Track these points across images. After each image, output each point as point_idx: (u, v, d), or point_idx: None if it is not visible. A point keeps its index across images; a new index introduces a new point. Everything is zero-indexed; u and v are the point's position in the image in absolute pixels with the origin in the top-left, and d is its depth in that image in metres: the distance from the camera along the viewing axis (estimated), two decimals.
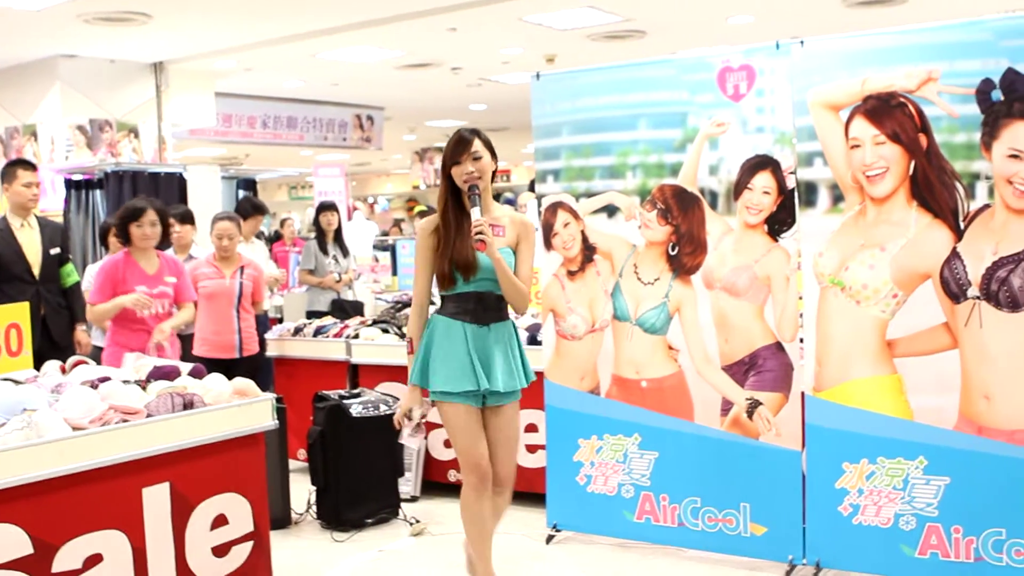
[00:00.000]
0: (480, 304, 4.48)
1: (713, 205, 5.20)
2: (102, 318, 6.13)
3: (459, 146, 4.43)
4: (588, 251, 5.62)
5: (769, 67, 5.03)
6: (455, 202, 4.50)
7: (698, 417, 5.30)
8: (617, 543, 5.62)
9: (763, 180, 5.05)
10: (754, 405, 5.12)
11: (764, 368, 5.11)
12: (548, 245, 5.76)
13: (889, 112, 4.64)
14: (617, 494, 5.57)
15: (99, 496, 4.02)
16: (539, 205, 5.83)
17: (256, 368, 7.13)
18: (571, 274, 5.68)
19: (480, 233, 4.29)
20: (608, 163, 5.53)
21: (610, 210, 5.54)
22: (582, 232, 5.63)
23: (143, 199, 6.46)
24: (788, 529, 5.07)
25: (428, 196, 24.51)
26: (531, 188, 10.28)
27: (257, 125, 14.52)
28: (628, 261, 5.48)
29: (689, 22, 10.43)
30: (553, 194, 5.74)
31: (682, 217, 5.29)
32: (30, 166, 6.79)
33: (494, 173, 4.54)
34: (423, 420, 4.79)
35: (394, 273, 12.65)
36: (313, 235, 10.17)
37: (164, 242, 6.51)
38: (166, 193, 9.57)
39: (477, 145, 4.43)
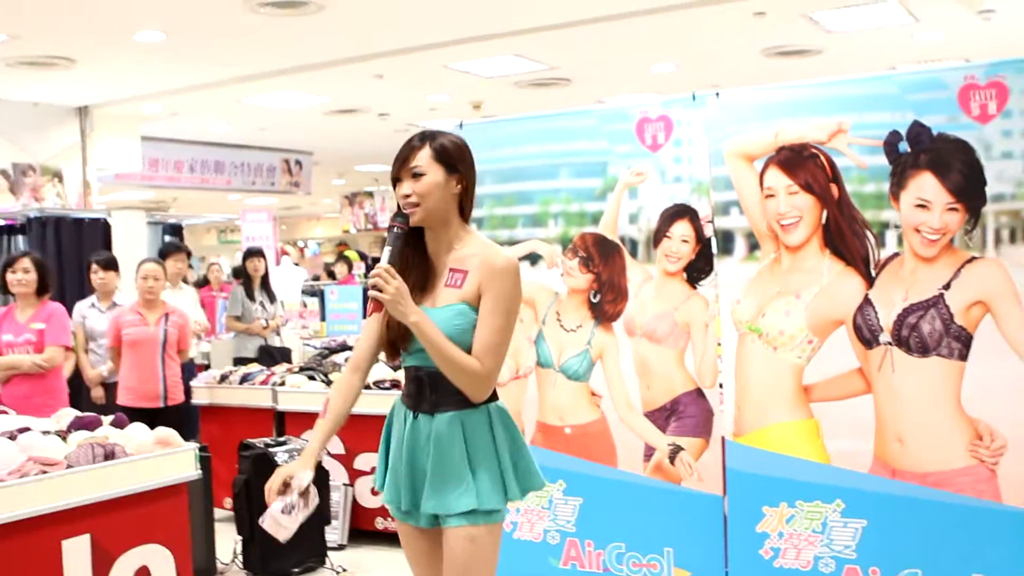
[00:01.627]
0: (416, 385, 3.28)
1: (633, 253, 5.29)
2: None
3: (397, 158, 3.24)
4: None
5: (686, 118, 5.15)
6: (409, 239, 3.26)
7: (621, 463, 5.35)
8: None
9: (681, 229, 5.15)
10: (676, 451, 5.19)
11: (685, 414, 5.19)
12: None
13: (802, 163, 4.77)
14: (543, 540, 5.60)
15: (18, 550, 3.99)
16: None
17: (182, 417, 7.07)
18: None
19: (373, 287, 3.10)
20: (531, 211, 5.60)
21: (533, 258, 5.61)
22: None
23: (23, 251, 6.57)
24: (711, 573, 5.12)
25: (358, 240, 24.52)
26: None
27: (184, 169, 14.45)
28: (551, 308, 5.55)
29: (612, 70, 10.60)
30: None
31: (603, 265, 5.38)
32: None
33: (465, 193, 3.30)
34: (305, 497, 3.29)
35: (322, 319, 12.63)
36: (239, 281, 10.15)
37: (87, 288, 6.53)
38: (90, 239, 9.48)
39: (420, 157, 3.19)
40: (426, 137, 3.23)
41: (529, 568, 5.64)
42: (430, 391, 3.21)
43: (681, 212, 5.16)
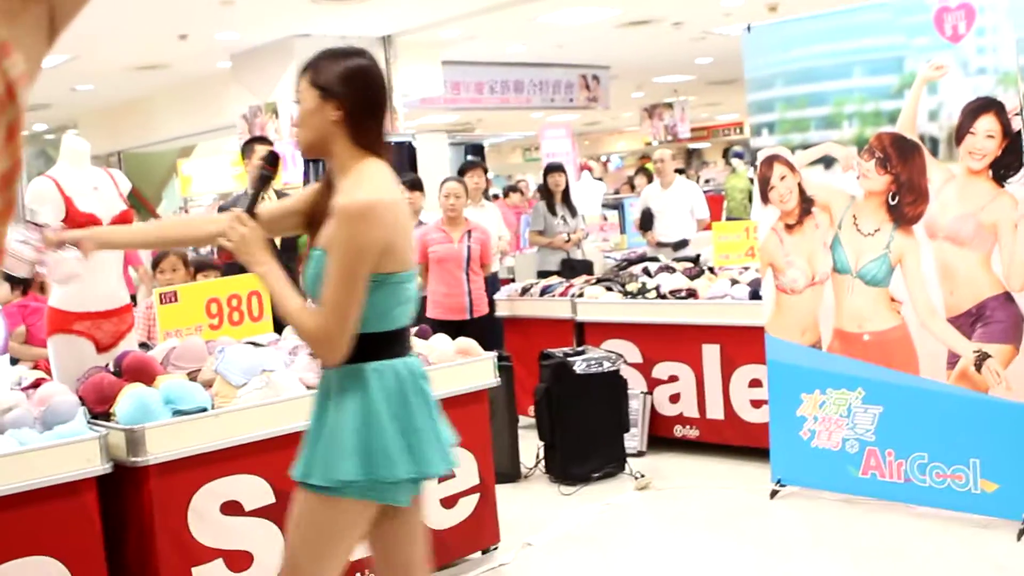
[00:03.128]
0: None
1: (934, 152, 5.04)
2: None
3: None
4: (806, 204, 5.55)
5: (989, 4, 4.82)
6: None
7: (923, 370, 5.18)
8: (842, 498, 5.57)
9: (986, 123, 4.86)
10: (982, 358, 4.96)
11: (992, 319, 4.94)
12: (765, 199, 5.72)
13: None
14: (841, 449, 5.51)
15: None
16: (755, 159, 5.79)
17: (487, 328, 7.35)
18: (789, 227, 5.63)
19: (220, 235, 2.88)
20: (823, 113, 5.43)
21: (827, 161, 5.45)
22: (799, 185, 5.56)
23: None
24: (1022, 486, 4.90)
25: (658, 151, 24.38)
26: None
27: (484, 91, 14.81)
28: (847, 213, 5.39)
29: None
30: (768, 147, 5.68)
31: (902, 166, 5.16)
32: (265, 141, 7.19)
33: (349, 119, 2.80)
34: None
35: (622, 231, 12.74)
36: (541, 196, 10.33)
37: None
38: (397, 161, 9.94)
39: (300, 86, 2.86)
40: (307, 63, 2.88)
41: (827, 477, 5.58)
42: None
43: (985, 106, 4.86)
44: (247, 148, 7.15)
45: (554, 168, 9.79)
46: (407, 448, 2.81)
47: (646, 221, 10.01)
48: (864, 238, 5.33)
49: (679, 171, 11.17)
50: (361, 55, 2.91)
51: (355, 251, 2.71)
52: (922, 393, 5.19)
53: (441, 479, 4.62)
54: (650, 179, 13.23)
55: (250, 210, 2.90)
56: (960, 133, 4.95)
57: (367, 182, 2.77)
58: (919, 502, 5.27)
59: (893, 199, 5.21)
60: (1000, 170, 4.86)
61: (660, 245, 9.94)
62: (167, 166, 17.78)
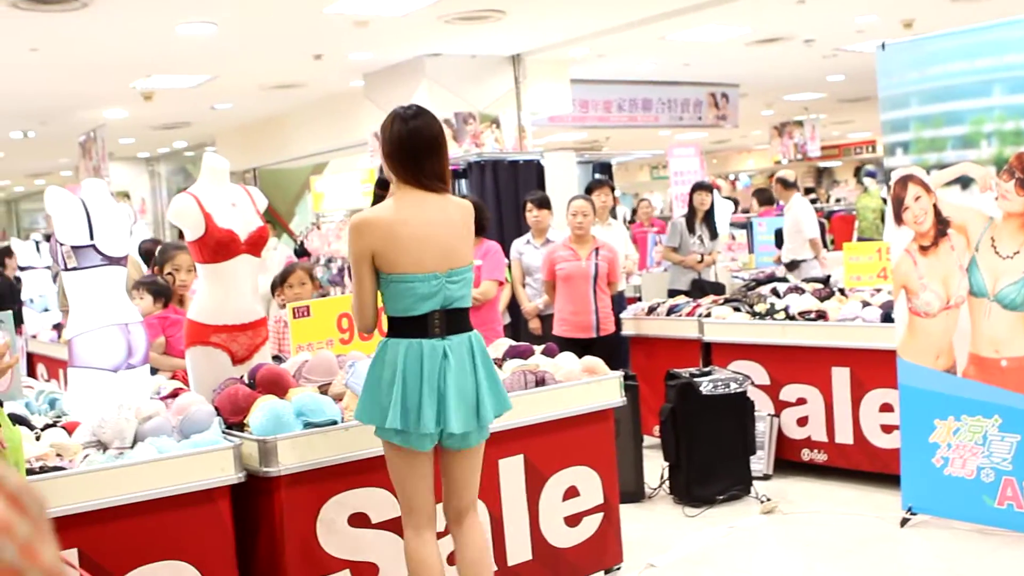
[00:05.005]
0: None
1: None
2: None
3: None
4: (941, 225, 5.42)
5: None
6: None
7: None
8: (976, 529, 5.40)
9: None
10: None
11: None
12: (899, 220, 5.60)
13: None
14: (976, 478, 5.35)
15: None
16: (889, 178, 5.68)
17: (613, 347, 7.35)
18: (923, 249, 5.50)
19: None
20: (960, 132, 5.30)
21: (964, 181, 5.31)
22: (934, 205, 5.44)
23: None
24: None
25: (786, 170, 24.05)
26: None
27: (613, 109, 14.81)
28: (985, 234, 5.24)
29: None
30: (903, 167, 5.57)
31: None
32: None
33: (388, 161, 3.81)
34: None
35: (751, 251, 12.59)
36: (677, 215, 10.26)
37: (523, 226, 6.83)
38: (525, 179, 10.02)
39: None
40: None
41: (961, 506, 5.42)
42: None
43: None
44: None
45: (701, 187, 9.69)
46: (407, 407, 3.58)
47: (780, 240, 9.95)
48: (1002, 260, 5.18)
49: (809, 190, 11.05)
50: (408, 110, 3.77)
51: (351, 256, 3.68)
52: None
53: (566, 497, 4.65)
54: (770, 200, 13.07)
55: None
56: None
57: (377, 206, 3.77)
58: None
59: None
60: None
61: (786, 265, 9.87)
62: (300, 182, 18.17)
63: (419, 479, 3.74)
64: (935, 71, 5.37)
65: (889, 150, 5.63)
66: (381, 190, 3.92)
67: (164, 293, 6.12)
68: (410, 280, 3.62)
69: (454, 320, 3.70)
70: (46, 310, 10.26)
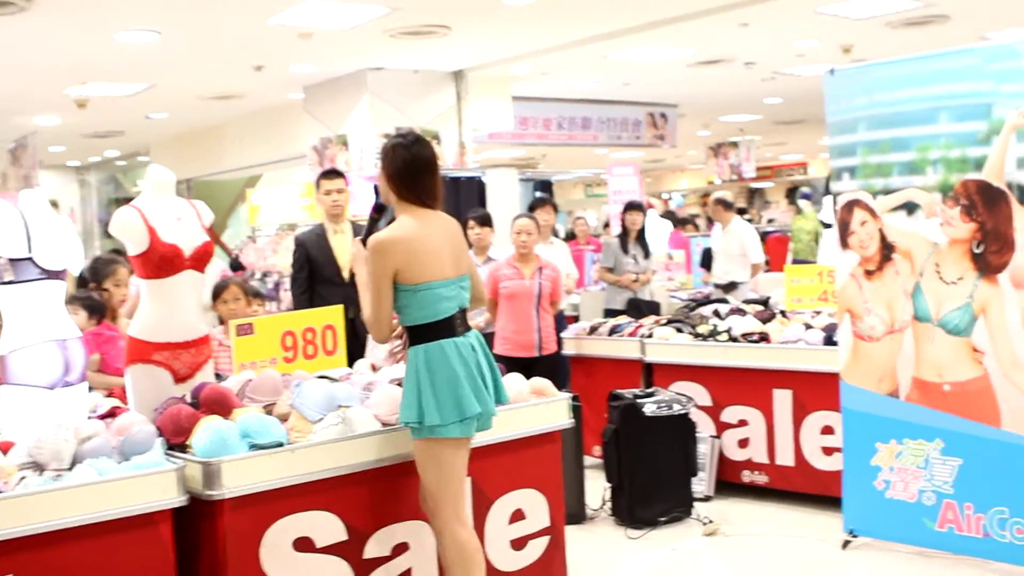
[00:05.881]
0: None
1: (1022, 200, 4.93)
2: None
3: None
4: (886, 250, 5.46)
5: None
6: None
7: (1005, 423, 5.05)
8: (917, 551, 5.43)
9: None
10: None
11: None
12: (844, 244, 5.63)
13: None
14: (918, 501, 5.38)
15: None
16: (835, 203, 5.71)
17: (554, 366, 7.31)
18: (869, 273, 5.54)
19: None
20: (907, 159, 5.35)
21: (909, 207, 5.36)
22: (880, 230, 5.48)
23: None
24: None
25: (723, 190, 24.22)
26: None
27: (552, 127, 14.82)
28: (929, 260, 5.29)
29: (996, 2, 9.87)
30: (849, 192, 5.60)
31: (987, 213, 5.05)
32: (333, 175, 7.18)
33: (390, 182, 4.23)
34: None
35: (688, 271, 12.65)
36: (614, 233, 10.26)
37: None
38: (467, 196, 9.96)
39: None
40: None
41: (902, 529, 5.46)
42: None
43: None
44: (318, 182, 7.19)
45: (633, 206, 9.76)
46: (461, 397, 4.01)
47: (707, 260, 9.97)
48: (947, 286, 5.23)
49: (740, 211, 11.15)
50: (408, 137, 4.20)
51: (374, 274, 4.02)
52: (1004, 446, 5.06)
53: (512, 520, 4.59)
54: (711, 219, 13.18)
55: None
56: None
57: (391, 227, 4.08)
58: (998, 558, 5.13)
59: (978, 247, 5.10)
60: None
61: (716, 286, 9.89)
62: (233, 195, 17.98)
63: (463, 469, 4.16)
64: (883, 97, 5.41)
65: (836, 175, 5.66)
66: (377, 214, 4.24)
67: (99, 309, 5.97)
68: (436, 287, 4.06)
69: (466, 319, 4.21)
70: None
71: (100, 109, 12.89)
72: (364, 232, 4.22)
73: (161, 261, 4.28)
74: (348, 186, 7.29)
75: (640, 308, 9.05)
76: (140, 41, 9.37)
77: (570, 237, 14.63)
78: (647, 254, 9.64)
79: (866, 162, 5.51)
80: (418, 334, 4.08)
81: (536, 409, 4.76)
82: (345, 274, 6.93)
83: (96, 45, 9.47)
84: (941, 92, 5.20)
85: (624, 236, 9.61)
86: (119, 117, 14.07)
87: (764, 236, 19.24)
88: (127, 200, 21.15)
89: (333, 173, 7.23)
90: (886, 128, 5.42)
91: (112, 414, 4.35)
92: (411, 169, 4.14)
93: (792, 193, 25.82)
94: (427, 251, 4.07)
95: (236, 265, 11.67)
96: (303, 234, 7.55)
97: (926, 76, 5.27)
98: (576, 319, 10.09)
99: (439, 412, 3.99)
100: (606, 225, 15.47)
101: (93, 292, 6.08)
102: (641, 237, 9.64)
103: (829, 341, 6.36)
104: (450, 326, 4.09)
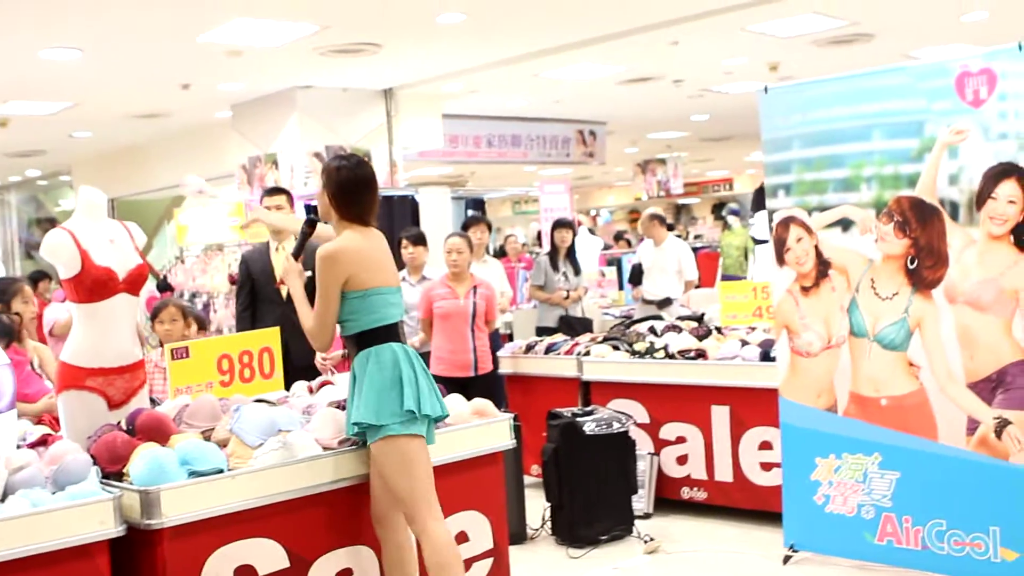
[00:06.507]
0: None
1: (954, 216, 5.01)
2: None
3: None
4: (822, 266, 5.51)
5: (1012, 70, 4.82)
6: None
7: (942, 436, 5.11)
8: (857, 565, 5.48)
9: (1008, 189, 4.83)
10: (1003, 424, 4.90)
11: (1013, 386, 4.88)
12: (780, 261, 5.68)
13: None
14: (857, 515, 5.43)
15: (349, 513, 4.22)
16: (771, 220, 5.75)
17: (490, 385, 7.28)
18: (805, 290, 5.59)
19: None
20: (841, 176, 5.41)
21: (844, 224, 5.42)
22: (815, 247, 5.53)
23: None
24: None
25: (650, 207, 24.38)
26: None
27: (482, 144, 14.80)
28: (864, 276, 5.35)
29: (919, 22, 10.05)
30: (785, 209, 5.65)
31: (921, 229, 5.12)
32: (275, 192, 7.08)
33: (332, 199, 4.32)
34: None
35: (620, 288, 12.69)
36: (542, 251, 10.26)
37: (398, 263, 6.72)
38: (400, 215, 9.90)
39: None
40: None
41: (842, 543, 5.50)
42: None
43: (1007, 171, 4.84)
44: (262, 198, 7.08)
45: (562, 224, 9.76)
46: (401, 398, 4.07)
47: (635, 276, 9.98)
48: (882, 302, 5.29)
49: (669, 227, 11.18)
50: (351, 160, 4.36)
51: (325, 282, 4.14)
52: (941, 459, 5.12)
53: (459, 539, 4.54)
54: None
55: (296, 254, 4.41)
56: (981, 198, 4.92)
57: (337, 239, 4.23)
58: (937, 570, 5.17)
59: (912, 263, 5.17)
60: (1022, 235, 4.82)
61: (646, 302, 9.89)
62: (158, 214, 17.70)
63: (430, 465, 4.18)
64: (817, 115, 5.47)
65: (771, 192, 5.71)
66: (309, 228, 4.45)
67: (8, 333, 5.78)
68: (385, 292, 4.20)
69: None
70: None
71: (21, 128, 12.61)
72: (295, 247, 4.44)
73: (94, 285, 4.17)
74: (294, 202, 7.19)
75: (572, 325, 9.04)
76: (63, 59, 9.18)
77: (500, 254, 14.63)
78: (577, 271, 9.66)
79: (801, 179, 5.57)
80: (366, 339, 4.17)
81: (478, 430, 4.72)
82: (284, 292, 6.82)
83: (18, 62, 9.26)
84: (874, 110, 5.27)
85: (554, 253, 9.62)
86: (41, 136, 13.78)
87: (693, 252, 19.49)
88: (48, 220, 20.71)
89: (276, 191, 7.14)
90: (821, 145, 5.48)
91: (43, 442, 4.22)
92: (355, 190, 4.27)
93: (718, 209, 26.07)
94: (374, 260, 4.23)
95: (164, 286, 11.46)
96: (248, 251, 7.48)
97: (859, 94, 5.34)
98: (510, 337, 10.08)
99: (398, 407, 4.06)
100: (539, 241, 15.45)
101: (2, 315, 5.91)
102: (571, 254, 9.65)
103: (766, 357, 6.40)
104: (396, 332, 4.23)
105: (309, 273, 4.35)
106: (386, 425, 4.06)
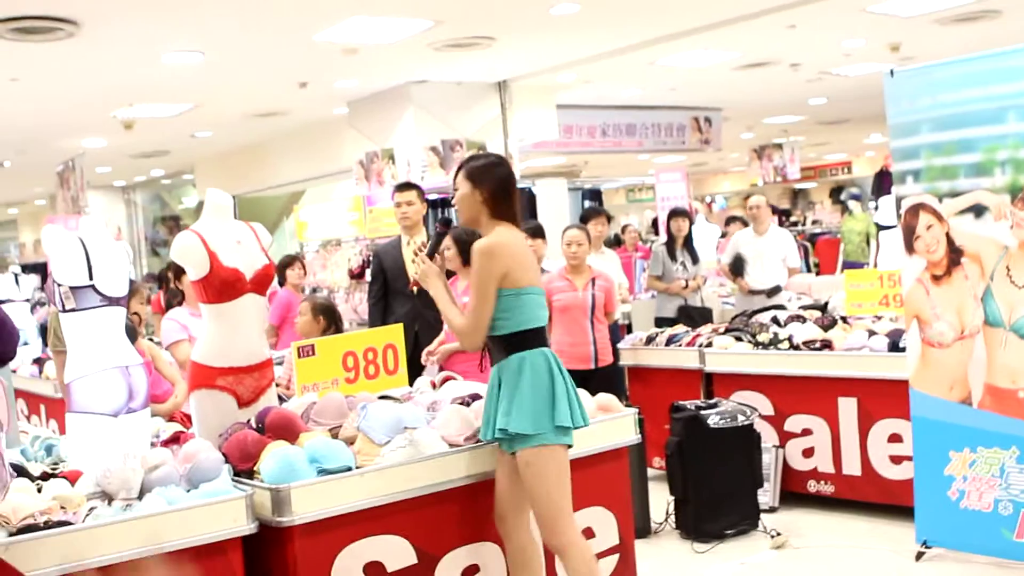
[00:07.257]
0: None
1: None
2: None
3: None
4: (954, 254, 5.34)
5: None
6: None
7: None
8: (994, 562, 5.30)
9: None
10: None
11: None
12: (910, 248, 5.52)
13: None
14: (994, 511, 5.25)
15: (475, 509, 4.21)
16: (898, 207, 5.60)
17: (611, 378, 7.23)
18: (936, 278, 5.42)
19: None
20: (973, 160, 5.23)
21: (977, 210, 5.24)
22: (947, 234, 5.36)
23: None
24: None
25: (767, 192, 24.01)
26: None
27: (597, 134, 14.72)
28: (1000, 263, 5.16)
29: None
30: (914, 195, 5.49)
31: None
32: (405, 188, 7.16)
33: (490, 199, 4.20)
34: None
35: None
36: (659, 240, 10.15)
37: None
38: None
39: (457, 179, 4.26)
40: (462, 163, 4.25)
41: (978, 539, 5.33)
42: None
43: None
44: (394, 193, 7.18)
45: (678, 212, 9.66)
46: (556, 408, 3.98)
47: (738, 267, 9.77)
48: (1018, 290, 5.10)
49: (785, 212, 10.97)
50: (500, 159, 4.33)
51: (483, 277, 4.01)
52: None
53: (586, 535, 4.51)
54: (744, 224, 12.95)
55: (431, 254, 4.34)
56: None
57: (492, 234, 4.10)
58: None
59: None
60: None
61: (753, 292, 9.67)
62: (279, 211, 18.02)
63: (570, 477, 4.09)
64: (946, 98, 5.30)
65: (899, 178, 5.55)
66: (444, 228, 4.52)
67: (131, 334, 5.92)
68: (536, 292, 4.11)
69: None
70: (26, 344, 10.06)
71: (146, 129, 12.94)
72: (430, 247, 4.37)
73: (222, 285, 4.24)
74: (424, 197, 7.24)
75: (692, 315, 8.95)
76: (185, 62, 9.39)
77: (616, 243, 14.54)
78: (695, 260, 9.53)
79: (931, 164, 5.40)
80: (517, 342, 4.05)
81: (604, 426, 4.67)
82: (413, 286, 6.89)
83: (142, 67, 9.49)
84: (1007, 91, 5.09)
85: (671, 243, 9.51)
86: (164, 137, 14.13)
87: (813, 238, 19.14)
88: (173, 218, 21.25)
89: (406, 186, 7.24)
90: (951, 129, 5.30)
91: (176, 439, 4.32)
92: (510, 186, 4.22)
93: (836, 193, 25.58)
94: (527, 257, 4.16)
95: (283, 281, 11.66)
96: (381, 245, 7.59)
97: (991, 75, 5.15)
98: (629, 328, 10.01)
99: (552, 418, 3.97)
100: (654, 229, 15.32)
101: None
102: (688, 243, 9.53)
103: (895, 347, 6.24)
104: (541, 336, 4.12)
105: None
106: (542, 434, 3.97)
